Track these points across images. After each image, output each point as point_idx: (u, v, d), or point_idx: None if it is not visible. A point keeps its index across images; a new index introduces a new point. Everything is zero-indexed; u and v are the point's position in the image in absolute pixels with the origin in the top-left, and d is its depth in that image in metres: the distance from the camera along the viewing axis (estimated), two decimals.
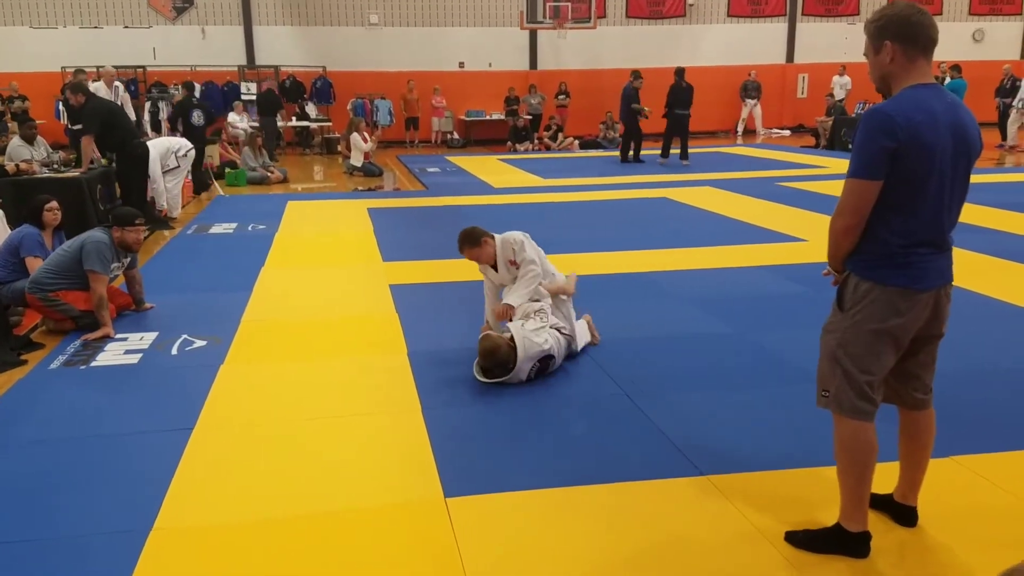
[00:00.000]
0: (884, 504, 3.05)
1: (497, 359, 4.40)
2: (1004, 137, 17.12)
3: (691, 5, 21.52)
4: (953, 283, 2.75)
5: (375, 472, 3.51)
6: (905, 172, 2.54)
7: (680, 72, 15.39)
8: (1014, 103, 16.46)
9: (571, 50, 21.14)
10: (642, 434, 3.84)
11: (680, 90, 15.23)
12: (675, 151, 15.54)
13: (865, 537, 2.80)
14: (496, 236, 4.96)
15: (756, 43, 22.14)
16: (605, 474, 3.43)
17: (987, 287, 6.16)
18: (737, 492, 3.26)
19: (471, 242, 4.91)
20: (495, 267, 4.96)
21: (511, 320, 4.76)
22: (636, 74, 15.50)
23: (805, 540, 2.88)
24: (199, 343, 5.22)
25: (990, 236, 8.10)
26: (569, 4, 18.94)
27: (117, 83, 13.65)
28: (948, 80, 14.57)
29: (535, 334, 4.50)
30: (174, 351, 5.10)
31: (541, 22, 19.27)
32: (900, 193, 2.56)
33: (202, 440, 3.82)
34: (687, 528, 3.03)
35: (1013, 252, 7.32)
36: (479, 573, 2.77)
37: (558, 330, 4.69)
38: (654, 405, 4.15)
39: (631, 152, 15.65)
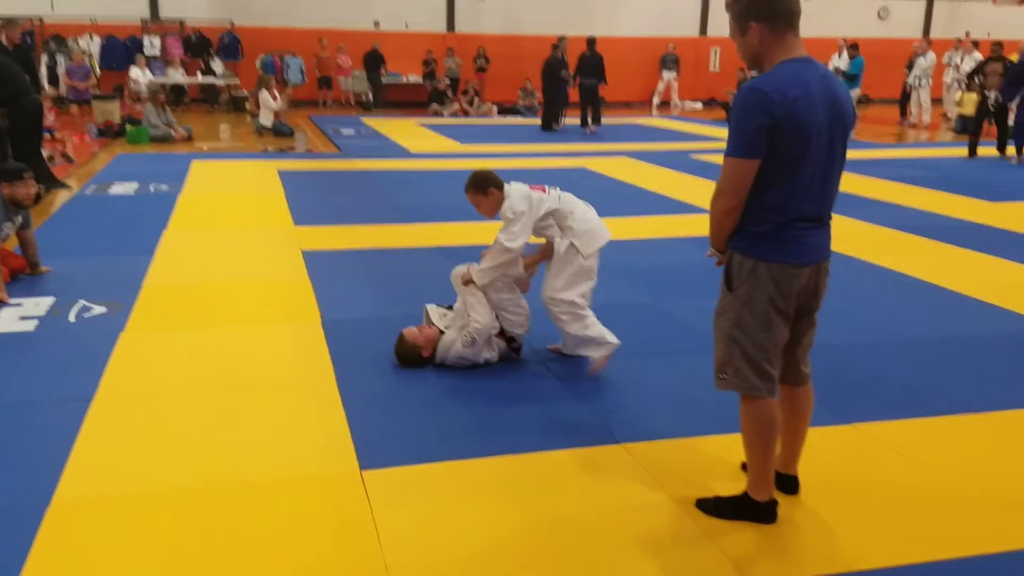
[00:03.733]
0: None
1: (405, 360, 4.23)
2: (903, 114, 17.79)
3: None
4: (831, 258, 2.79)
5: (287, 444, 3.42)
6: (782, 148, 2.54)
7: (591, 42, 15.30)
8: (910, 80, 17.06)
9: (490, 13, 20.90)
10: (559, 403, 3.86)
11: (587, 59, 15.18)
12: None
13: (772, 505, 2.88)
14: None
15: (673, 15, 22.33)
16: (522, 444, 3.43)
17: (887, 259, 6.40)
18: (652, 459, 3.31)
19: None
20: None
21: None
22: (563, 40, 15.33)
23: (715, 507, 2.94)
24: (98, 309, 4.98)
25: (889, 209, 8.42)
26: None
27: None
28: (845, 57, 14.96)
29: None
30: (71, 318, 4.85)
31: None
32: (777, 169, 2.57)
33: (102, 411, 3.65)
34: (602, 496, 3.06)
35: (910, 225, 7.62)
36: (395, 545, 2.73)
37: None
38: (571, 374, 4.17)
39: (553, 121, 15.58)
